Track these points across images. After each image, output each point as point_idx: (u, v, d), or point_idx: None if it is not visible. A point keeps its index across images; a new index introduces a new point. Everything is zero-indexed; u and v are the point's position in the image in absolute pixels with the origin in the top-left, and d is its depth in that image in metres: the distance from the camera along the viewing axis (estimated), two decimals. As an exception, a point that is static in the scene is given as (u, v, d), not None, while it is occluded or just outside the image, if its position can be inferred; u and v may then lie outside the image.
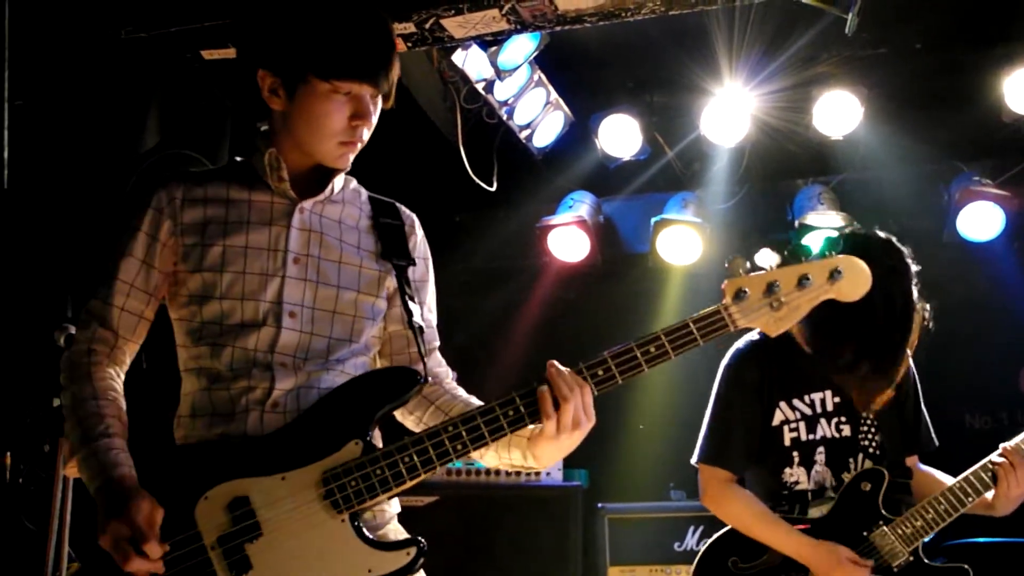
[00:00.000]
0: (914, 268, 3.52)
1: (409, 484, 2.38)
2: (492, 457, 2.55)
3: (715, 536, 3.58)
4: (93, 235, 4.11)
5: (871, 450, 3.52)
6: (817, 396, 3.54)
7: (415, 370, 2.52)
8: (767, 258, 2.46)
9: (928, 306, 3.54)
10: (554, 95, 6.02)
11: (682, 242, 6.18)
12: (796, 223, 5.99)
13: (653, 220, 6.20)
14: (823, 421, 3.52)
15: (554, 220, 6.37)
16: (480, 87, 5.42)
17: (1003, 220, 5.79)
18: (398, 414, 2.67)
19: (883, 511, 3.41)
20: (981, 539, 4.43)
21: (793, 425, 3.52)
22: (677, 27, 5.06)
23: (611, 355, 2.41)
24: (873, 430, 3.54)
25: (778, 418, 3.53)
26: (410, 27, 4.27)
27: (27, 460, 3.98)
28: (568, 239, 6.39)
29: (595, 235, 6.41)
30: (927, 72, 5.76)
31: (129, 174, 4.23)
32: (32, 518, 3.91)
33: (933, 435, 3.72)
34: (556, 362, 2.42)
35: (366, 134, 2.53)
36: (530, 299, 6.80)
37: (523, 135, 6.04)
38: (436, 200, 5.67)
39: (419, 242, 2.75)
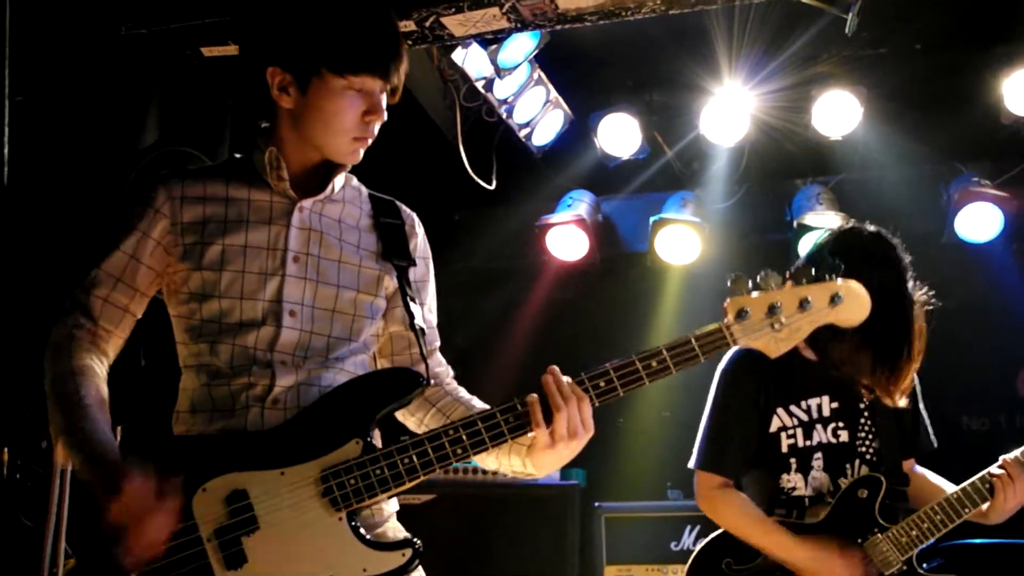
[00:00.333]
0: (906, 259, 3.52)
1: (408, 485, 2.38)
2: (492, 461, 2.55)
3: (709, 537, 3.58)
4: (92, 231, 4.11)
5: (868, 456, 3.52)
6: (814, 402, 3.54)
7: (417, 372, 2.52)
8: (769, 279, 2.47)
9: (926, 292, 3.53)
10: (554, 94, 6.02)
11: (681, 241, 6.18)
12: (795, 223, 5.99)
13: (652, 219, 6.20)
14: (820, 427, 3.52)
15: (553, 219, 6.37)
16: (480, 85, 5.43)
17: (1002, 221, 5.79)
18: (400, 415, 2.67)
19: (879, 519, 3.40)
20: (976, 541, 4.43)
21: (790, 431, 3.52)
22: (677, 26, 5.06)
23: (613, 367, 2.41)
24: (871, 436, 3.54)
25: (775, 424, 3.53)
26: (410, 25, 4.27)
27: (24, 456, 3.98)
28: (567, 238, 6.39)
29: (594, 234, 6.41)
30: (927, 73, 5.77)
31: (128, 171, 4.23)
32: (29, 514, 3.91)
33: (932, 436, 3.72)
34: (556, 368, 2.41)
35: (376, 129, 2.53)
36: (529, 298, 6.80)
37: (522, 133, 6.04)
38: (435, 198, 5.66)
39: (420, 242, 2.75)
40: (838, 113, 5.73)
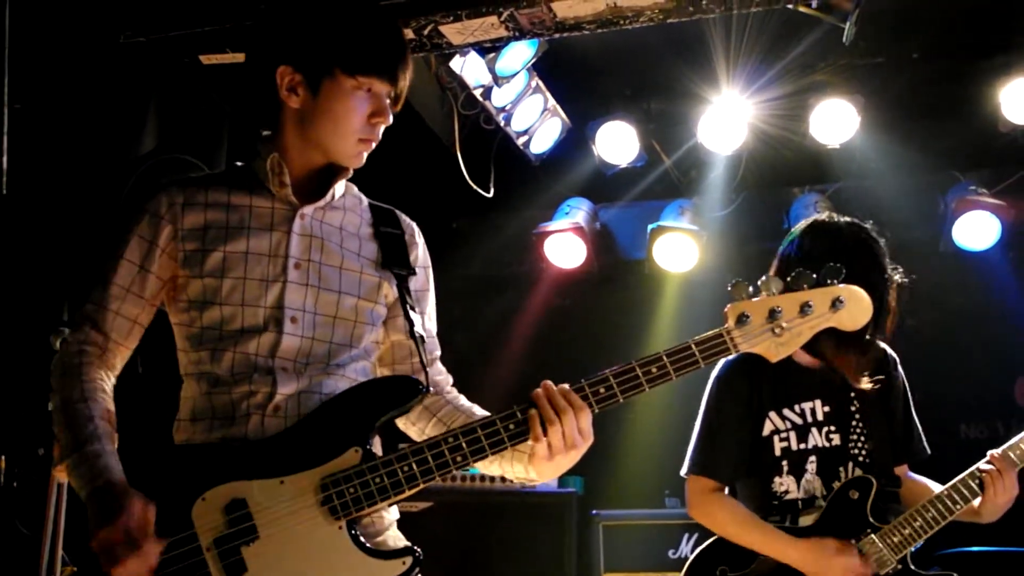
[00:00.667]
0: (881, 241, 3.54)
1: (408, 493, 2.37)
2: (495, 467, 2.56)
3: (704, 544, 3.57)
4: (90, 239, 4.11)
5: (861, 459, 3.52)
6: (807, 405, 3.54)
7: (417, 380, 2.52)
8: (770, 284, 2.47)
9: (900, 272, 3.55)
10: (551, 102, 6.03)
11: (678, 249, 6.18)
12: (792, 230, 5.98)
13: (650, 227, 6.21)
14: (814, 430, 3.52)
15: (551, 226, 6.37)
16: (478, 93, 5.43)
17: (999, 230, 5.80)
18: (402, 424, 2.67)
19: (871, 519, 3.40)
20: (972, 548, 4.43)
21: (783, 435, 3.52)
22: (675, 35, 5.07)
23: (613, 373, 2.41)
24: (863, 439, 3.54)
25: (768, 428, 3.53)
26: (408, 33, 4.27)
27: (21, 463, 3.98)
28: (565, 246, 6.39)
29: (592, 242, 6.42)
30: (924, 81, 5.78)
31: (126, 178, 4.23)
32: (26, 522, 3.91)
33: (925, 443, 3.72)
34: (549, 383, 2.40)
35: (380, 133, 2.55)
36: (526, 305, 6.80)
37: (520, 141, 6.05)
38: (433, 206, 5.67)
39: (420, 252, 2.75)
40: (835, 121, 5.74)
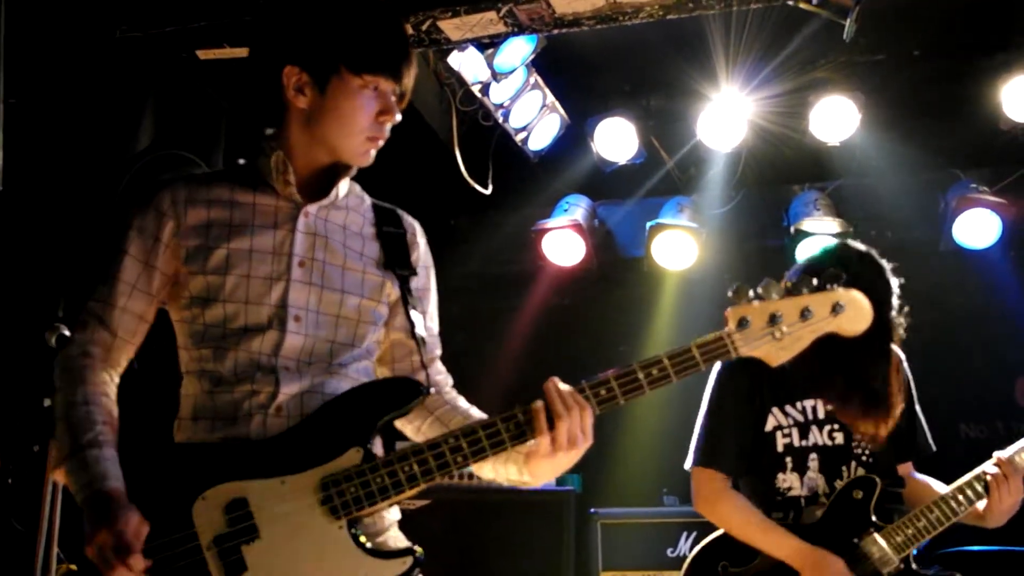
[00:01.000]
0: (894, 283, 3.53)
1: (408, 493, 2.37)
2: (488, 470, 2.55)
3: (706, 540, 3.57)
4: (85, 235, 4.09)
5: (864, 458, 3.51)
6: (809, 403, 3.54)
7: (418, 381, 2.53)
8: (770, 289, 2.47)
9: (904, 321, 3.55)
10: (550, 98, 6.02)
11: (677, 247, 6.18)
12: (792, 229, 5.99)
13: (649, 224, 6.20)
14: (815, 428, 3.52)
15: (549, 224, 6.36)
16: (476, 89, 5.42)
17: (1000, 228, 5.79)
18: (398, 421, 2.66)
19: (874, 519, 3.40)
20: (973, 547, 4.42)
21: (786, 431, 3.52)
22: (674, 31, 5.06)
23: (614, 375, 2.41)
24: (866, 439, 3.53)
25: (771, 424, 3.53)
26: (407, 29, 4.26)
27: (16, 461, 3.97)
28: (563, 243, 6.38)
29: (590, 239, 6.41)
30: (925, 79, 5.77)
31: (122, 174, 4.22)
32: (21, 519, 3.90)
33: (930, 440, 3.72)
34: (556, 379, 2.41)
35: (388, 131, 2.56)
36: (525, 303, 6.80)
37: (519, 138, 6.04)
38: (431, 203, 5.66)
39: (422, 252, 2.75)
40: (836, 119, 5.73)
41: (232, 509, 2.30)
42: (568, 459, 2.39)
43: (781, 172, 6.37)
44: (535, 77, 5.78)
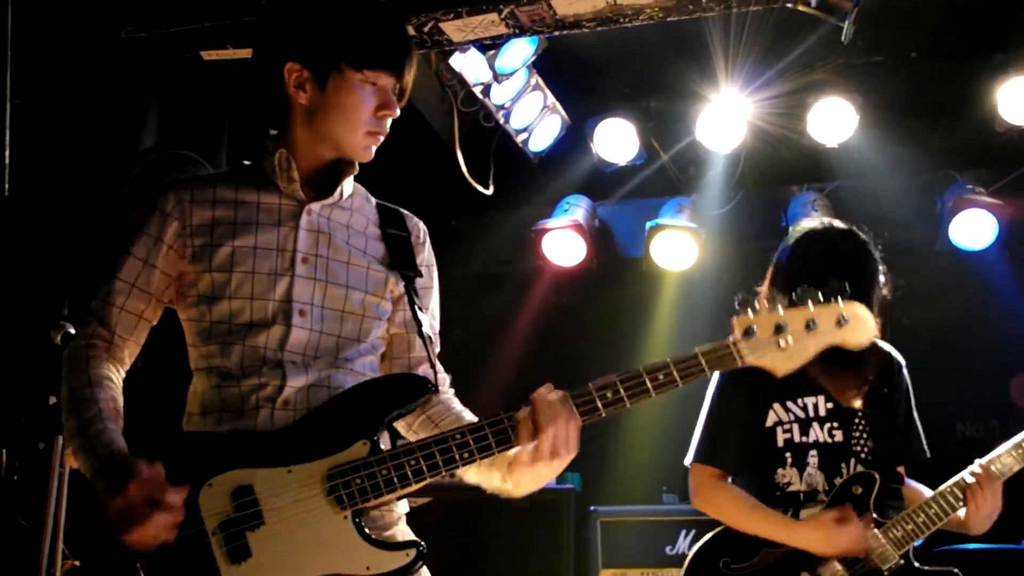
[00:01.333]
0: (876, 255, 3.56)
1: (413, 487, 2.40)
2: (473, 475, 2.57)
3: (707, 537, 3.59)
4: (91, 234, 4.11)
5: (863, 455, 3.53)
6: (810, 400, 3.56)
7: (426, 379, 2.55)
8: (776, 299, 2.49)
9: (892, 290, 3.57)
10: (551, 99, 6.04)
11: (677, 247, 6.20)
12: (790, 230, 6.00)
13: (648, 225, 6.22)
14: (816, 425, 3.54)
15: (549, 224, 6.39)
16: (477, 90, 5.44)
17: (996, 229, 5.82)
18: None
19: (874, 515, 3.42)
20: (971, 545, 4.45)
21: (787, 427, 3.54)
22: (674, 33, 5.08)
23: (620, 379, 2.43)
24: (866, 436, 3.55)
25: (771, 419, 3.55)
26: (409, 30, 4.28)
27: (22, 458, 3.99)
28: (563, 243, 6.40)
29: (590, 239, 6.43)
30: (922, 81, 5.80)
31: (127, 173, 4.24)
32: (27, 516, 3.92)
33: (925, 445, 3.72)
34: (550, 386, 2.42)
35: (388, 126, 2.58)
36: (525, 303, 6.81)
37: (520, 139, 6.06)
38: (432, 203, 5.68)
39: (426, 254, 2.78)
40: (834, 120, 5.76)
41: (238, 496, 2.32)
42: (550, 470, 2.40)
43: (780, 173, 6.39)
44: (536, 78, 5.81)
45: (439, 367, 2.77)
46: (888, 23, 5.23)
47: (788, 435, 3.53)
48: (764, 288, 3.64)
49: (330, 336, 2.52)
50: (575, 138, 6.34)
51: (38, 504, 3.82)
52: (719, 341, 2.48)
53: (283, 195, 2.58)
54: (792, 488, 3.51)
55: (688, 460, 3.63)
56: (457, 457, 2.39)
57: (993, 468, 3.49)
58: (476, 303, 6.68)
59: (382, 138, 2.58)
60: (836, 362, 3.27)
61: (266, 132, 2.65)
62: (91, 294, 2.56)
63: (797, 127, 5.90)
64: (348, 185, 2.66)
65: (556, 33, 4.43)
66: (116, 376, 2.51)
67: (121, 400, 2.48)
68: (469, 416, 2.65)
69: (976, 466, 3.50)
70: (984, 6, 5.37)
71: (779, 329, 2.46)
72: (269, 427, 2.42)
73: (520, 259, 6.71)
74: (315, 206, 2.59)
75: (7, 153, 3.80)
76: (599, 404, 2.41)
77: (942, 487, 3.50)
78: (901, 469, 3.69)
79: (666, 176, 6.53)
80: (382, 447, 2.42)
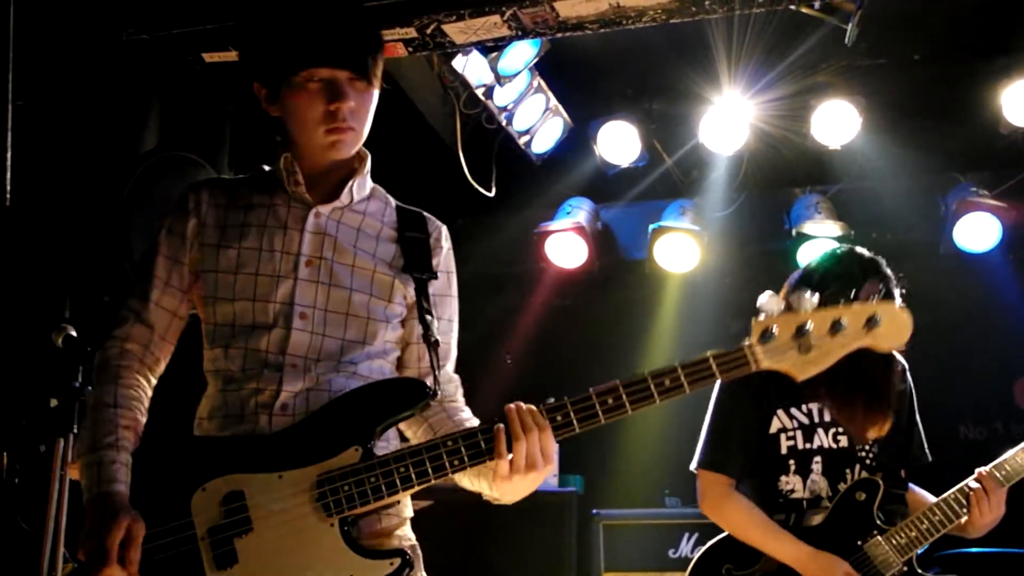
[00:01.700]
0: (897, 292, 3.51)
1: (402, 495, 2.40)
2: (467, 481, 2.56)
3: (710, 543, 3.58)
4: (91, 236, 4.11)
5: (868, 461, 3.53)
6: (815, 406, 3.55)
7: (424, 383, 2.54)
8: (804, 300, 2.35)
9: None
10: (553, 101, 6.03)
11: (679, 249, 6.19)
12: (793, 232, 6.01)
13: (651, 227, 6.22)
14: (820, 431, 3.53)
15: (552, 226, 6.38)
16: (480, 92, 5.43)
17: (1000, 231, 5.81)
18: (403, 423, 2.66)
19: (878, 521, 3.42)
20: (972, 549, 4.44)
21: (790, 433, 3.53)
22: (677, 35, 5.08)
23: (623, 384, 2.40)
24: (871, 442, 3.54)
25: (775, 426, 3.54)
26: (411, 32, 4.28)
27: (23, 461, 3.98)
28: (566, 245, 6.40)
29: (593, 241, 6.42)
30: (925, 83, 5.78)
31: (128, 175, 4.23)
32: (28, 519, 3.91)
33: (926, 450, 3.72)
34: (520, 403, 2.40)
35: (353, 119, 2.53)
36: (527, 304, 6.81)
37: (522, 141, 6.06)
38: (434, 205, 5.66)
39: (444, 257, 2.76)
40: (837, 122, 5.75)
41: (228, 501, 2.34)
42: (528, 482, 2.39)
43: (783, 175, 6.38)
44: (538, 80, 5.80)
45: (449, 376, 2.75)
46: (892, 25, 5.22)
47: (792, 442, 3.52)
48: (783, 290, 3.57)
49: (333, 339, 2.51)
50: (578, 140, 6.33)
51: (39, 507, 3.81)
52: (735, 347, 2.39)
53: (292, 199, 2.59)
54: (795, 495, 3.50)
55: (694, 466, 3.62)
56: (447, 465, 2.38)
57: (999, 474, 3.48)
58: (478, 305, 6.65)
59: (348, 131, 2.53)
60: (850, 396, 3.25)
61: (272, 136, 2.66)
62: (128, 293, 2.60)
63: (800, 129, 5.89)
64: (359, 187, 2.65)
65: (559, 35, 4.42)
66: (144, 392, 2.54)
67: (144, 418, 2.51)
68: (471, 424, 2.63)
69: (977, 473, 3.49)
70: (988, 8, 5.35)
71: (801, 331, 2.35)
72: (267, 432, 2.42)
73: (522, 261, 6.70)
74: (324, 209, 2.59)
75: (8, 155, 3.80)
76: (599, 411, 2.39)
77: (946, 494, 3.50)
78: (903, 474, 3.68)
79: (669, 178, 6.52)
80: (376, 453, 2.40)
